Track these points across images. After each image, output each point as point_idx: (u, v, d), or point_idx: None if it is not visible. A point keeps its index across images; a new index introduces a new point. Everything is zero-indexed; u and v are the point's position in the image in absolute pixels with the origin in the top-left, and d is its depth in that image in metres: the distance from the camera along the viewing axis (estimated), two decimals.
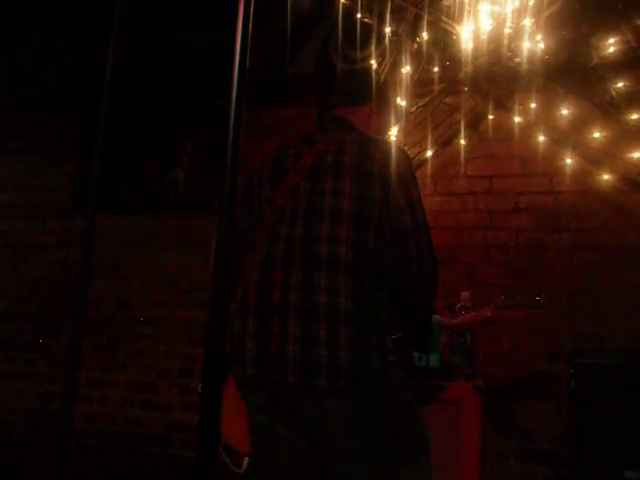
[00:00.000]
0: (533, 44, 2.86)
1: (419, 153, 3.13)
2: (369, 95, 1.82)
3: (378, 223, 1.49)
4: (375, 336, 1.42)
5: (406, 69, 3.06)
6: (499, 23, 2.85)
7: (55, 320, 3.77)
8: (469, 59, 2.94)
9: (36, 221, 3.99)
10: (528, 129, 3.02)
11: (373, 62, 3.14)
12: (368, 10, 3.19)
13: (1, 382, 3.81)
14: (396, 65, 3.11)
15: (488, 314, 2.36)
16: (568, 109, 2.89)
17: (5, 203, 4.10)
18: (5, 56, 4.26)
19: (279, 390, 1.41)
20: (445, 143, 3.15)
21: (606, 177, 2.85)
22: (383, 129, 1.88)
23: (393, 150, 1.60)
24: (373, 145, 1.60)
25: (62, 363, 3.71)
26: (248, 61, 0.72)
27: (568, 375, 2.68)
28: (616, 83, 2.83)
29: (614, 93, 2.80)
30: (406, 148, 3.12)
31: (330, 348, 1.37)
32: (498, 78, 3.01)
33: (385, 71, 3.13)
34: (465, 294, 2.65)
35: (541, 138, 2.99)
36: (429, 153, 3.12)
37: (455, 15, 2.92)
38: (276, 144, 1.72)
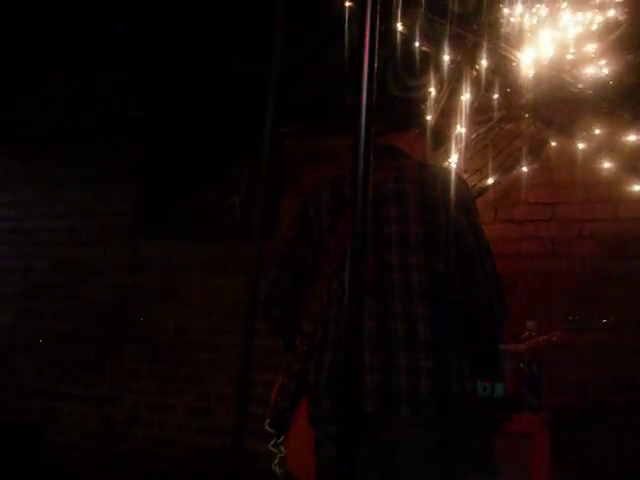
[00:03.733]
0: (597, 69, 2.82)
1: (480, 180, 3.11)
2: (413, 121, 1.86)
3: (445, 247, 1.50)
4: (454, 363, 1.41)
5: (465, 96, 3.06)
6: (561, 49, 2.83)
7: (115, 343, 3.85)
8: (530, 85, 2.92)
9: (98, 246, 4.10)
10: (592, 155, 2.97)
11: (432, 90, 3.16)
12: (426, 38, 3.21)
13: (64, 404, 3.90)
14: (455, 92, 3.11)
15: (555, 338, 2.32)
16: (635, 135, 2.83)
17: (69, 228, 4.24)
18: (68, 83, 4.43)
19: None
20: (506, 170, 3.12)
21: None
22: (426, 154, 1.91)
23: (451, 175, 1.62)
24: (431, 171, 1.63)
25: (122, 386, 3.78)
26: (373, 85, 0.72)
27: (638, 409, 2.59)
28: None
29: None
30: (466, 175, 3.10)
31: (411, 376, 1.35)
32: (560, 104, 2.97)
33: (444, 98, 3.14)
34: (531, 323, 2.60)
35: (605, 164, 2.93)
36: (490, 180, 3.09)
37: (515, 42, 2.91)
38: (328, 174, 1.76)
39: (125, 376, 3.77)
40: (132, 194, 4.08)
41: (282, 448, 1.60)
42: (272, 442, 1.62)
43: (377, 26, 0.72)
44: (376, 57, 0.70)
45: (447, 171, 1.69)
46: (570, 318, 2.37)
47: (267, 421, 1.63)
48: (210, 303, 3.66)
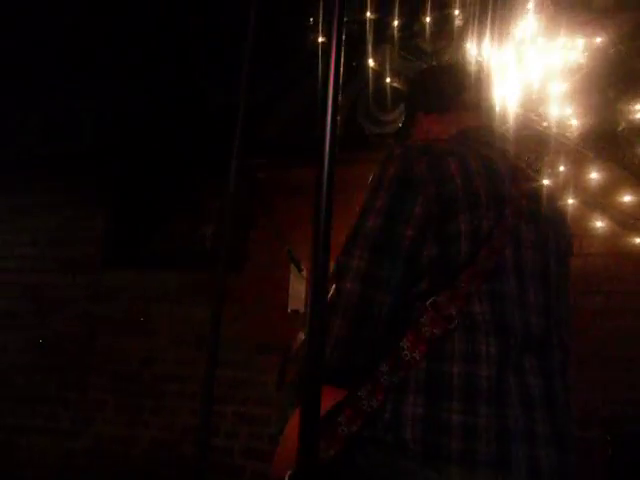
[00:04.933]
0: (560, 109, 2.91)
1: None
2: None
3: None
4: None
5: None
6: (526, 88, 2.92)
7: (80, 374, 3.77)
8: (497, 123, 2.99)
9: (65, 274, 4.04)
10: (557, 192, 3.04)
11: (401, 125, 3.22)
12: (397, 75, 3.29)
13: (23, 437, 3.78)
14: None
15: None
16: (597, 172, 2.92)
17: (36, 256, 4.17)
18: (39, 111, 4.41)
19: None
20: None
21: (638, 240, 2.85)
22: None
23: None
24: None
25: (86, 419, 3.69)
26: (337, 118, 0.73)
27: (604, 443, 2.62)
28: None
29: None
30: None
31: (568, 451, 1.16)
32: (526, 141, 3.05)
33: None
34: None
35: (570, 201, 3.01)
36: None
37: (483, 80, 2.99)
38: (299, 206, 1.37)
39: (89, 408, 3.69)
40: (101, 222, 4.04)
41: None
42: None
43: (341, 58, 0.74)
44: (340, 90, 0.72)
45: None
46: None
47: (288, 474, 1.06)
48: (178, 334, 3.62)
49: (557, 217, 1.32)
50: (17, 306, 4.10)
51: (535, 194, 1.27)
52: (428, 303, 1.07)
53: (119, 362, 3.67)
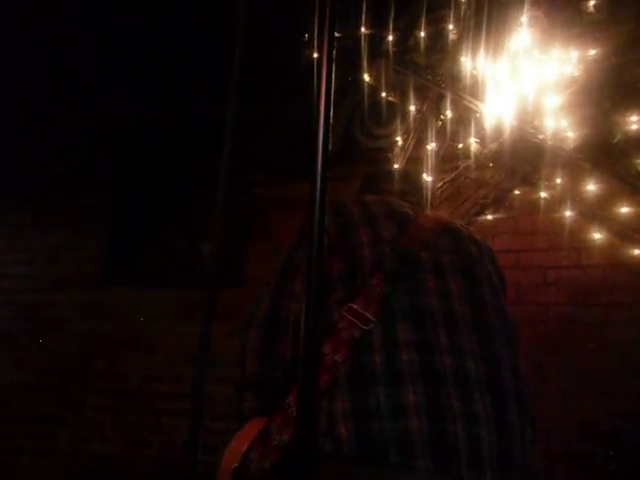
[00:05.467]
0: (556, 121, 2.92)
1: None
2: None
3: None
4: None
5: (431, 145, 3.12)
6: (522, 101, 2.93)
7: (78, 393, 3.74)
8: (493, 135, 3.00)
9: (62, 293, 4.02)
10: (554, 204, 3.04)
11: (398, 139, 3.23)
12: (392, 89, 3.30)
13: (22, 458, 3.74)
14: (421, 141, 3.17)
15: None
16: (594, 184, 2.92)
17: (33, 275, 4.15)
18: (36, 132, 4.42)
19: None
20: (472, 218, 3.17)
21: (637, 252, 2.84)
22: None
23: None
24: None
25: (84, 438, 3.65)
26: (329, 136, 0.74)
27: (607, 456, 2.60)
28: None
29: None
30: None
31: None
32: (522, 154, 3.05)
33: (410, 147, 3.20)
34: None
35: (567, 212, 3.00)
36: None
37: (478, 94, 3.00)
38: (296, 220, 1.55)
39: (88, 427, 3.65)
40: (98, 240, 4.02)
41: None
42: None
43: (332, 74, 0.73)
44: (331, 104, 0.72)
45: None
46: None
47: (234, 467, 1.17)
48: (176, 351, 3.59)
49: (471, 238, 1.42)
50: (13, 326, 4.07)
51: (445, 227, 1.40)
52: (344, 310, 1.18)
53: (117, 380, 3.65)
